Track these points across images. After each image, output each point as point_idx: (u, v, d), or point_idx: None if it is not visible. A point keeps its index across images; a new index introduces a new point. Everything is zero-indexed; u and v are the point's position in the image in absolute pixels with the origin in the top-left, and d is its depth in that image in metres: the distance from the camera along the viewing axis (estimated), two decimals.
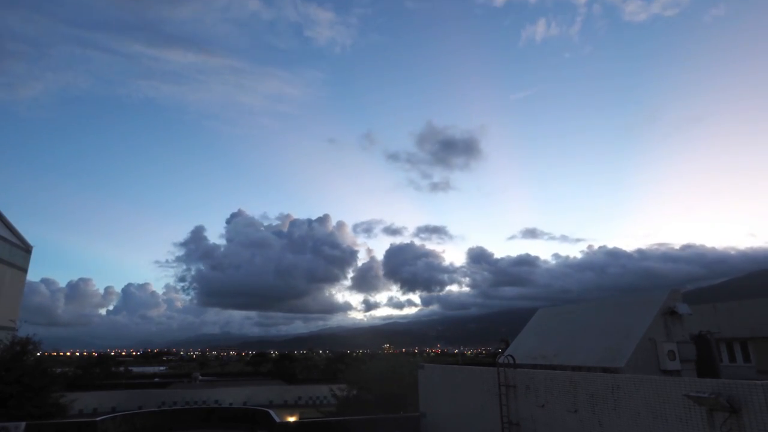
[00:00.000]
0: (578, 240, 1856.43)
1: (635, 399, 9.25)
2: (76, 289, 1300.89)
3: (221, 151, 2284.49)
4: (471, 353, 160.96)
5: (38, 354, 24.19)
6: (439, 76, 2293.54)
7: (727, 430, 7.46)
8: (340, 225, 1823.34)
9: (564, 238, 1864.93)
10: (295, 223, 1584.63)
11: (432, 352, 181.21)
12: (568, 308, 17.22)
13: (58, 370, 26.44)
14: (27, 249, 33.99)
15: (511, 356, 14.21)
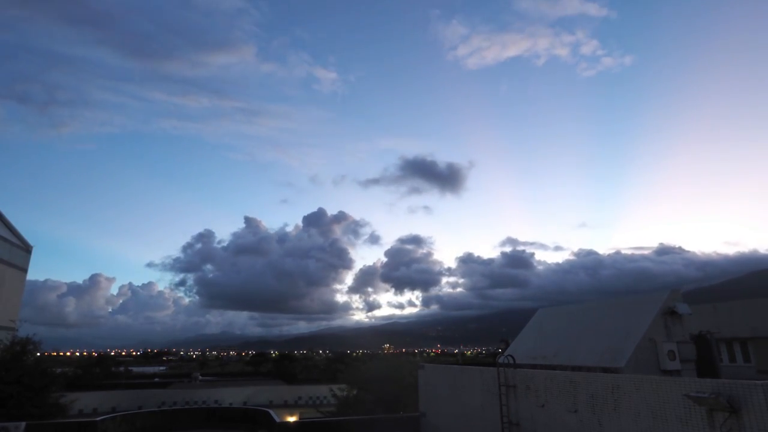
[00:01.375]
0: (558, 248, 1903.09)
1: (635, 399, 9.24)
2: (93, 286, 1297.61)
3: (230, 171, 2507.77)
4: (471, 353, 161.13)
5: (38, 354, 24.19)
6: (421, 118, 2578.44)
7: (727, 430, 7.46)
8: (340, 231, 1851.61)
9: (543, 247, 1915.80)
10: (297, 229, 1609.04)
11: (432, 352, 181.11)
12: (568, 308, 17.22)
13: (58, 370, 26.40)
14: (27, 249, 33.93)
15: (511, 356, 14.21)
